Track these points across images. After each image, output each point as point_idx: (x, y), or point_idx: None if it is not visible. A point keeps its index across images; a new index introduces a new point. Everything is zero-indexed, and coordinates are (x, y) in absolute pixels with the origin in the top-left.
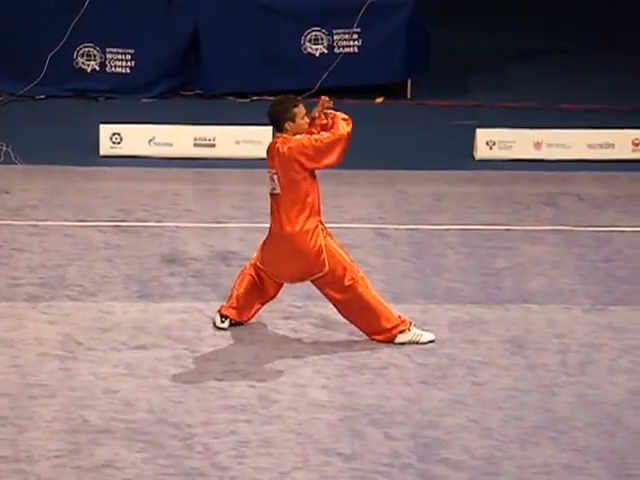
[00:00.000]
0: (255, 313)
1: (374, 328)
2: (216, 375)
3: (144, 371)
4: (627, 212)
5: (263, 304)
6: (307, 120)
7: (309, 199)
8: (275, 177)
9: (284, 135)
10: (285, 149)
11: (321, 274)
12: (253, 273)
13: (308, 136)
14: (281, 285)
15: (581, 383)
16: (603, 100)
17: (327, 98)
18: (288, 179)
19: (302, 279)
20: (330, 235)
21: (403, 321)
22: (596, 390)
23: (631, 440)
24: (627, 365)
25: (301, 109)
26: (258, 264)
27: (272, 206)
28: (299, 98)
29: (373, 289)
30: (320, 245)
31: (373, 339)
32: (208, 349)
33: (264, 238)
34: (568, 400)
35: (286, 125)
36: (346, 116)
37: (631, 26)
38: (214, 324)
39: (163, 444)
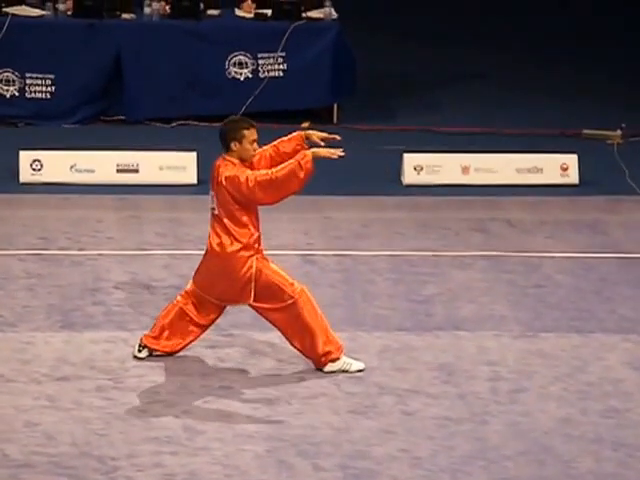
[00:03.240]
0: (185, 346)
1: (313, 351)
2: (140, 406)
3: (66, 403)
4: (556, 237)
5: (194, 337)
6: (256, 147)
7: (246, 229)
8: (214, 198)
9: (227, 157)
10: (222, 178)
11: (244, 304)
12: (182, 304)
13: (245, 171)
14: (215, 317)
15: (512, 411)
16: (531, 124)
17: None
18: (224, 204)
19: (227, 302)
20: (266, 260)
21: (339, 347)
22: (527, 418)
23: (561, 468)
24: (558, 392)
25: (252, 133)
26: (190, 283)
27: (212, 223)
28: (253, 123)
29: (316, 308)
30: (250, 275)
31: (314, 363)
32: (132, 380)
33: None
34: (499, 429)
35: (232, 145)
36: (309, 167)
37: (559, 50)
38: (133, 354)
39: (86, 478)
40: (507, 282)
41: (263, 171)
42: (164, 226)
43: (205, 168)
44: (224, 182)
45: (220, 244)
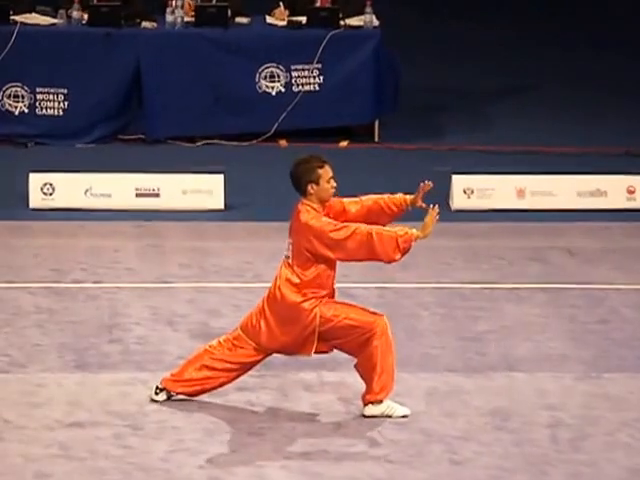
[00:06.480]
0: (206, 392)
1: (368, 383)
2: (161, 455)
3: (80, 452)
4: (623, 268)
5: (218, 386)
6: (333, 184)
7: (314, 284)
8: (291, 246)
9: (305, 202)
10: (304, 223)
11: (305, 355)
12: (215, 350)
13: (329, 222)
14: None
15: (574, 461)
16: (593, 142)
17: (430, 184)
18: (299, 251)
19: (289, 354)
20: (335, 303)
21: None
22: (591, 468)
23: None
24: (625, 440)
25: (327, 171)
26: (239, 332)
27: (280, 269)
28: (325, 158)
29: (390, 344)
30: (314, 327)
31: (362, 395)
32: (152, 426)
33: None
34: None
35: (309, 188)
36: (406, 247)
37: (624, 60)
38: (150, 396)
39: None
40: (568, 317)
41: (352, 225)
42: (188, 256)
43: (233, 191)
44: (306, 228)
45: (285, 292)
